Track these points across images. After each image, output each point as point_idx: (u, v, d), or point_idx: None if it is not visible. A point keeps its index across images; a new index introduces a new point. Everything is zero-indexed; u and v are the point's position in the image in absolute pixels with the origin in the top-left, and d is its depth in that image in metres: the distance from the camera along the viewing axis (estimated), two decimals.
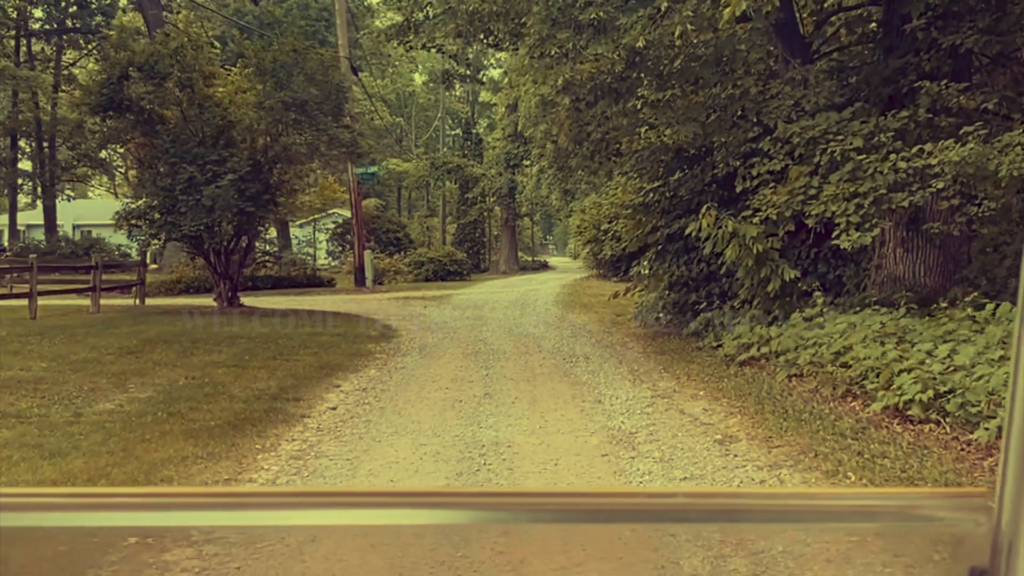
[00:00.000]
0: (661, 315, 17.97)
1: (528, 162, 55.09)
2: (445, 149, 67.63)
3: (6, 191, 53.17)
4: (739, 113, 14.72)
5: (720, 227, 13.64)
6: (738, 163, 14.54)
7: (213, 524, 1.22)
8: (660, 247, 17.95)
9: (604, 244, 38.69)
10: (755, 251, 13.24)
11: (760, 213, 13.35)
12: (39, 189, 53.13)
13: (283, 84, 22.66)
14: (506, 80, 54.39)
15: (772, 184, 13.50)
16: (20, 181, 52.92)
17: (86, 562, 1.29)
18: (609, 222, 38.42)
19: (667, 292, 17.66)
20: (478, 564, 1.25)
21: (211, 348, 15.75)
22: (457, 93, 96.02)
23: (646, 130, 17.42)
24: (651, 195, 18.14)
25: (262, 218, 24.22)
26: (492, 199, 59.35)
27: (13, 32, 48.28)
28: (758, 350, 12.83)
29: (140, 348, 15.46)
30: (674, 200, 17.60)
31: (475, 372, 13.64)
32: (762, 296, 13.97)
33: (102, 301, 27.04)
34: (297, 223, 66.63)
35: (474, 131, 67.83)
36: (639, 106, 15.51)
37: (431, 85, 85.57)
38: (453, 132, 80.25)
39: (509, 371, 13.75)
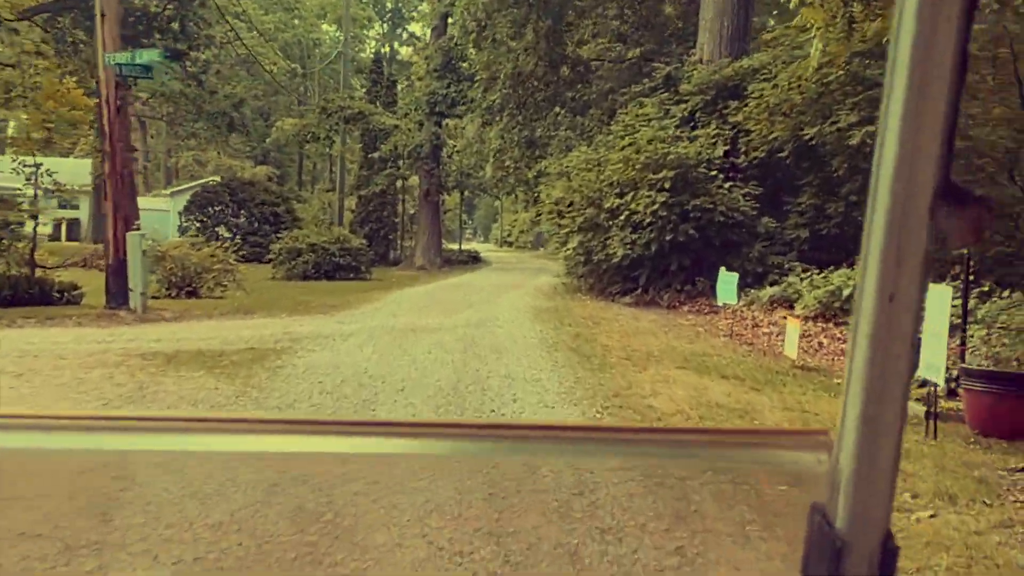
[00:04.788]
0: None
1: (464, 107, 37.37)
2: (344, 91, 49.32)
3: None
4: None
5: None
6: None
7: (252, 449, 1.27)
8: None
9: (611, 235, 21.14)
10: None
11: None
12: None
13: None
14: None
15: None
16: None
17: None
18: (620, 195, 20.90)
19: None
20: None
21: None
22: (370, 46, 78.94)
23: None
24: None
25: None
26: (407, 162, 41.38)
27: None
28: None
29: None
30: None
31: None
32: None
33: None
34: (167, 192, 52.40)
35: (385, 71, 49.73)
36: None
37: (339, 37, 68.28)
38: (363, 89, 62.48)
39: None
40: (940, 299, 7.46)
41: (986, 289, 13.10)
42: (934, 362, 7.73)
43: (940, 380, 7.55)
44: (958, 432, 7.93)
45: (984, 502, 5.48)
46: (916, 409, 9.04)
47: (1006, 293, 13.48)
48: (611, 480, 6.09)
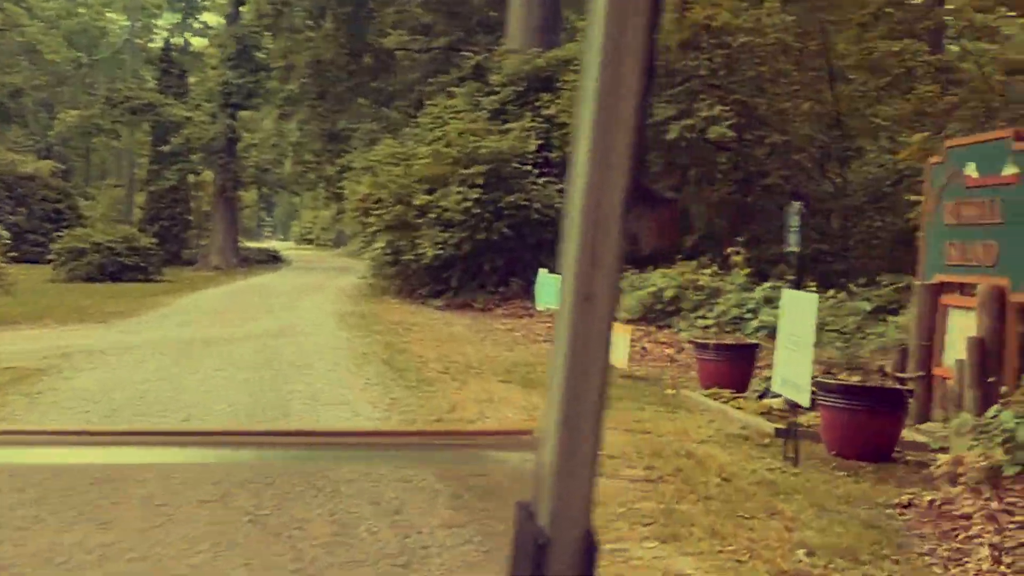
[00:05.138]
0: None
1: (261, 98, 35.63)
2: (132, 82, 46.41)
3: None
4: None
5: None
6: None
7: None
8: None
9: (420, 233, 20.06)
10: None
11: None
12: None
13: None
14: None
15: None
16: None
17: None
18: (430, 191, 19.89)
19: None
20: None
21: None
22: (160, 35, 75.17)
23: None
24: None
25: None
26: (200, 155, 39.27)
27: None
28: None
29: None
30: None
31: None
32: None
33: None
34: None
35: (178, 62, 47.02)
36: None
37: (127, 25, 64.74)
38: (154, 80, 59.47)
39: None
40: (803, 308, 6.67)
41: (812, 289, 12.70)
42: (791, 378, 6.95)
43: (805, 400, 6.74)
44: (815, 453, 7.21)
45: (888, 557, 4.66)
46: (763, 426, 8.33)
47: (830, 293, 13.17)
48: (445, 542, 4.99)
